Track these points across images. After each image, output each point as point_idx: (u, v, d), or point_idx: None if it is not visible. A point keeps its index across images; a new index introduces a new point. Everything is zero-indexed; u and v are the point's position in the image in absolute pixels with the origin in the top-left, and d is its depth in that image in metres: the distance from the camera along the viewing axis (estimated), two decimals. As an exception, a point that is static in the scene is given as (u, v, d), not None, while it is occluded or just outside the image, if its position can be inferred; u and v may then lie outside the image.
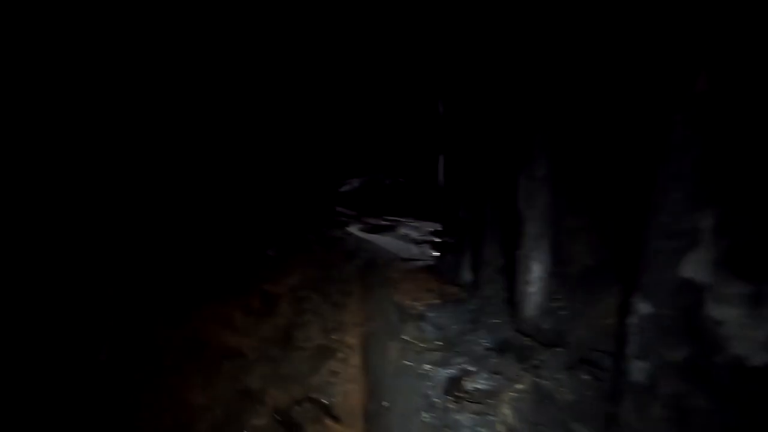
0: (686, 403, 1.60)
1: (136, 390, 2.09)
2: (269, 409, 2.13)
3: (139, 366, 2.25)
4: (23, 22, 1.92)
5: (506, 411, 1.94)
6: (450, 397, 2.10)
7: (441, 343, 2.74)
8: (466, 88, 4.25)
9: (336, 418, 2.08)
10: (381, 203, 11.23)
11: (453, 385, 2.20)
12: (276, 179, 5.01)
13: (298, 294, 3.75)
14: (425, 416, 1.95)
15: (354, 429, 2.04)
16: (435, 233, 7.37)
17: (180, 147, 3.48)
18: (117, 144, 2.60)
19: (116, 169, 2.50)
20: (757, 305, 1.45)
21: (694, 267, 1.56)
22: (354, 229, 8.13)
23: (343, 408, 2.15)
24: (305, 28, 5.17)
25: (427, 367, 2.42)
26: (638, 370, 1.74)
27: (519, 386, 2.09)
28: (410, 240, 7.18)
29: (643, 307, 1.71)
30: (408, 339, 2.80)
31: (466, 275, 4.11)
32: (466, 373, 2.29)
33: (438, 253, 5.68)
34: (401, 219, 9.70)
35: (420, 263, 5.20)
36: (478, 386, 2.16)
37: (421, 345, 2.74)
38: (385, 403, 2.00)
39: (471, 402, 2.04)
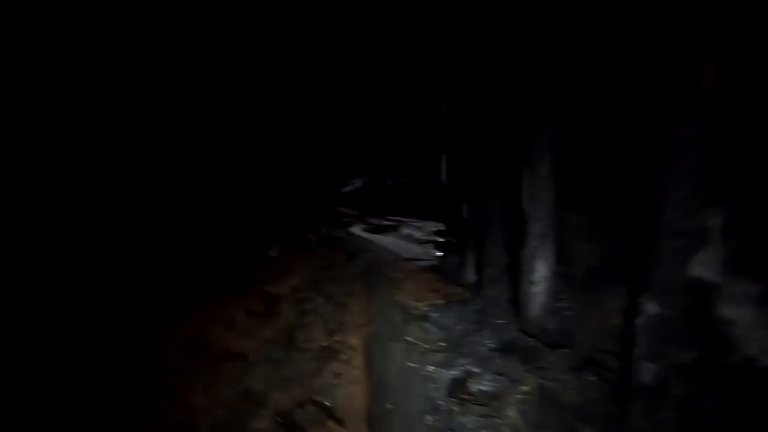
0: (696, 405, 1.57)
1: (137, 391, 2.08)
2: (271, 412, 2.10)
3: (140, 367, 2.23)
4: (23, 22, 1.91)
5: (511, 413, 1.91)
6: (454, 399, 2.08)
7: (444, 344, 2.71)
8: (468, 86, 4.22)
9: (339, 421, 2.05)
10: (383, 203, 11.23)
11: (457, 387, 2.17)
12: (278, 179, 4.99)
13: (301, 295, 3.73)
14: (429, 419, 1.92)
15: (357, 432, 2.02)
16: (438, 233, 7.35)
17: (182, 147, 3.47)
18: (118, 143, 2.59)
19: (116, 167, 2.49)
20: (768, 305, 1.42)
21: (704, 266, 1.52)
22: (356, 230, 8.12)
23: (346, 410, 2.13)
24: (309, 28, 5.16)
25: (431, 368, 2.39)
26: (646, 371, 1.71)
27: (524, 388, 2.06)
28: (413, 240, 7.16)
29: (651, 308, 1.67)
30: (411, 340, 2.77)
31: (470, 275, 4.09)
32: (470, 375, 2.26)
33: (441, 253, 5.66)
34: (404, 219, 9.68)
35: (423, 263, 5.18)
36: (483, 388, 2.13)
37: (425, 346, 2.71)
38: (388, 406, 1.98)
39: (475, 404, 2.01)
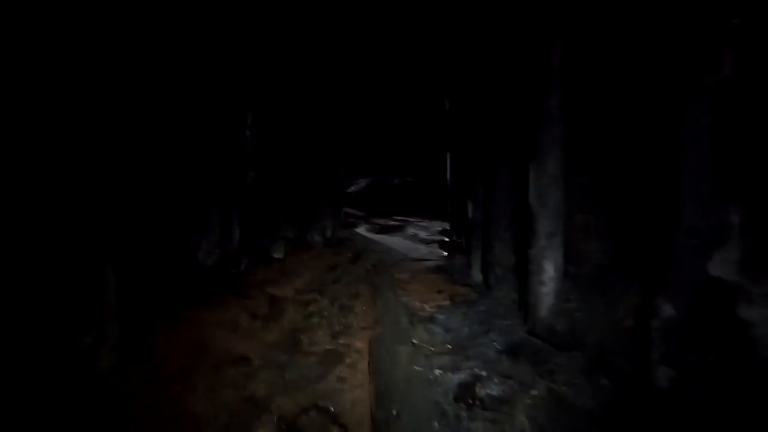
0: (714, 409, 1.50)
1: (136, 397, 2.04)
2: (275, 418, 2.06)
3: (140, 372, 2.20)
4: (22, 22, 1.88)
5: (521, 419, 1.84)
6: (462, 404, 2.02)
7: (451, 347, 2.66)
8: (472, 82, 4.16)
9: (343, 427, 2.00)
10: (389, 203, 11.19)
11: (464, 392, 2.11)
12: (282, 179, 4.95)
13: (305, 296, 3.69)
14: (436, 425, 1.86)
15: (362, 438, 1.96)
16: (444, 232, 7.29)
17: (183, 147, 3.44)
18: (119, 143, 2.56)
19: (116, 166, 2.46)
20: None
21: (723, 266, 1.45)
22: (362, 230, 8.08)
23: (351, 416, 2.08)
24: (313, 28, 5.12)
25: (438, 372, 2.33)
26: (662, 375, 1.64)
27: (534, 392, 2.00)
28: (419, 240, 7.11)
29: (666, 309, 1.60)
30: (417, 342, 2.72)
31: (476, 275, 4.03)
32: (478, 379, 2.20)
33: (447, 253, 5.60)
34: (409, 218, 9.64)
35: (429, 263, 5.12)
36: (491, 392, 2.07)
37: (431, 348, 2.66)
38: (393, 412, 1.92)
39: (484, 409, 1.95)
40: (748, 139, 1.40)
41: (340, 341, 2.84)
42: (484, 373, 2.24)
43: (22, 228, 1.92)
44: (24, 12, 1.91)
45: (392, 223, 9.04)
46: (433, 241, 6.76)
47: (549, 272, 2.54)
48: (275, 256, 4.70)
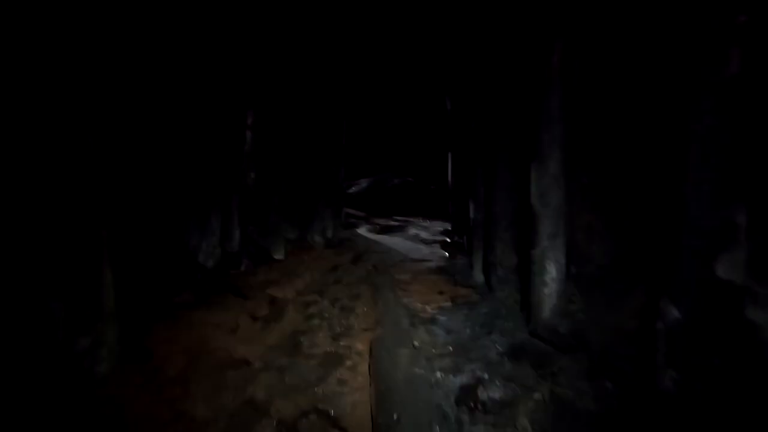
0: (721, 413, 1.47)
1: (135, 400, 2.02)
2: (274, 421, 2.03)
3: (139, 375, 2.18)
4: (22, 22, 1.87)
5: (524, 423, 1.82)
6: (463, 408, 1.99)
7: (452, 348, 2.63)
8: (473, 82, 4.13)
9: (343, 431, 1.98)
10: (389, 203, 11.17)
11: (466, 394, 2.09)
12: (283, 180, 4.94)
13: (306, 298, 3.67)
14: (437, 429, 1.83)
15: (362, 442, 1.94)
16: (445, 233, 7.26)
17: (184, 147, 3.43)
18: (118, 143, 2.55)
19: (115, 167, 2.44)
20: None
21: (730, 267, 1.42)
22: (362, 230, 8.06)
23: (351, 419, 2.05)
24: (313, 28, 5.11)
25: (439, 374, 2.31)
26: (667, 377, 1.61)
27: (536, 395, 1.97)
28: (420, 240, 7.08)
29: (671, 311, 1.58)
30: (418, 344, 2.69)
31: (478, 276, 4.01)
32: (480, 381, 2.17)
33: (448, 254, 5.57)
34: (410, 219, 9.61)
35: (430, 264, 5.10)
36: (493, 395, 2.04)
37: (432, 350, 2.63)
38: (394, 415, 1.90)
39: (485, 413, 1.93)
40: (755, 139, 1.37)
41: (341, 343, 2.82)
42: (486, 376, 2.21)
43: (20, 229, 1.91)
44: (32, 12, 1.89)
45: (393, 223, 9.02)
46: (434, 242, 6.73)
47: (551, 273, 2.52)
48: (276, 256, 4.68)
